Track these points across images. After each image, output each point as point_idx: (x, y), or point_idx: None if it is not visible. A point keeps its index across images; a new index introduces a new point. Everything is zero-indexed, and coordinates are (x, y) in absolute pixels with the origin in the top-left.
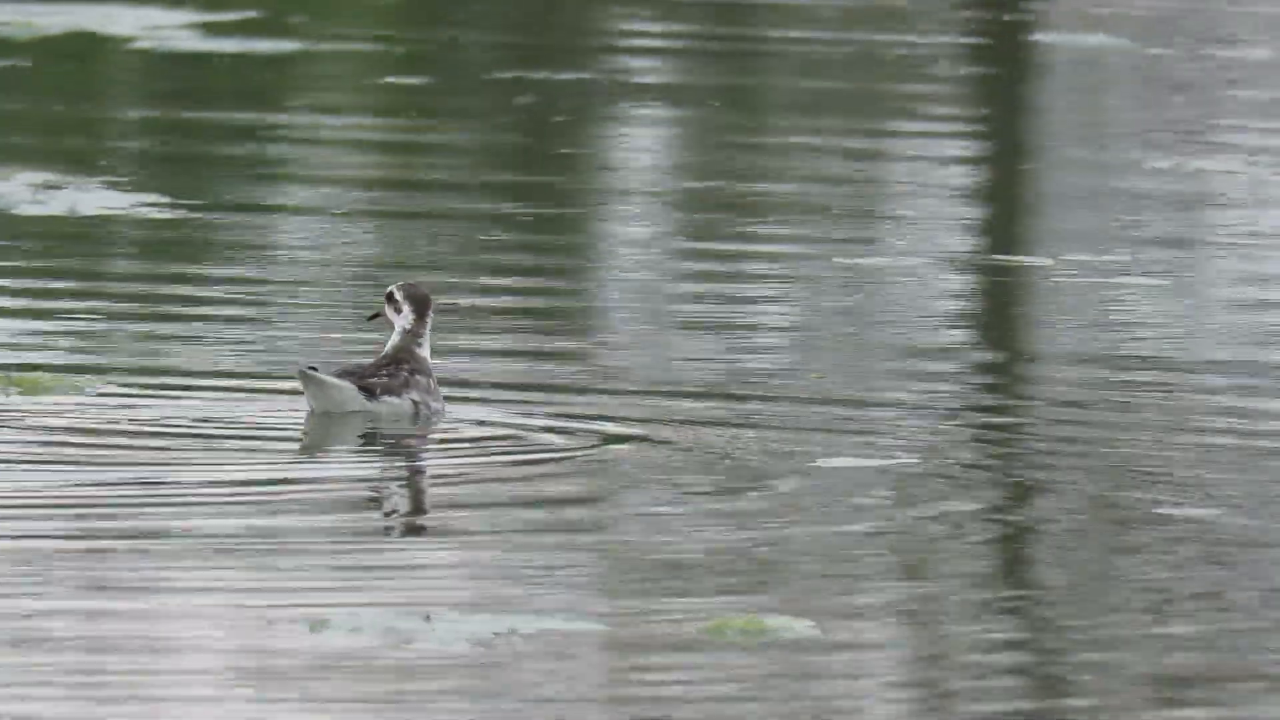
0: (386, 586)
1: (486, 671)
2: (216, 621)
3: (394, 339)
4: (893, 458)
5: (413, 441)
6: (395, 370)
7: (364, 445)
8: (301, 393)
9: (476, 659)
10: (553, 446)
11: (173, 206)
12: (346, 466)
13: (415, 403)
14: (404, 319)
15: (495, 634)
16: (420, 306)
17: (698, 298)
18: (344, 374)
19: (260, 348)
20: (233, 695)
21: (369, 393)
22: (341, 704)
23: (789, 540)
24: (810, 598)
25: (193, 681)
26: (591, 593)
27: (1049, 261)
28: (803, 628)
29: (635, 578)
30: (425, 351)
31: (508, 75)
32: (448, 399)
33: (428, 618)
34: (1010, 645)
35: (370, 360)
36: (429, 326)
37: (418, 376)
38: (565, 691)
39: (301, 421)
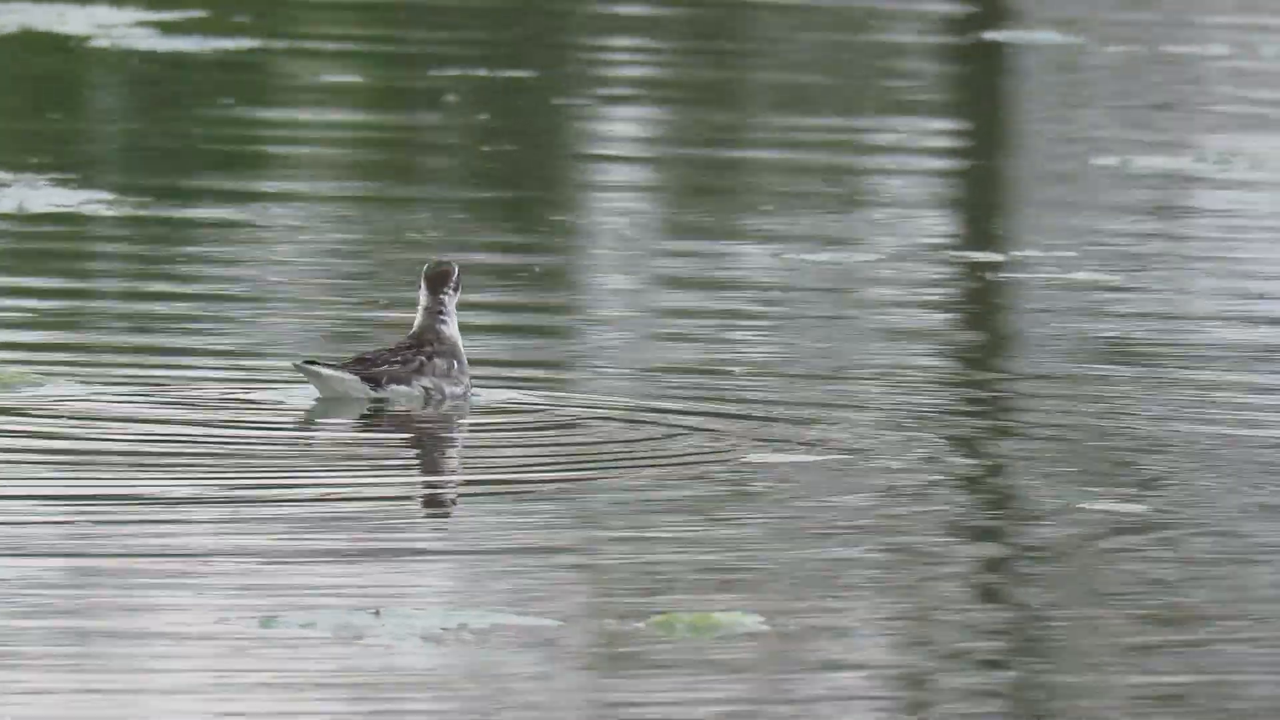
0: (343, 583)
1: (435, 668)
2: (179, 617)
3: (418, 319)
4: (856, 453)
5: (403, 433)
6: (412, 355)
7: (352, 440)
8: (306, 382)
9: (425, 654)
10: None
11: (119, 203)
12: (327, 466)
13: (426, 389)
14: (421, 297)
15: (445, 629)
16: (430, 284)
17: (678, 284)
18: (360, 360)
19: (226, 340)
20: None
21: (374, 383)
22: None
23: (747, 537)
24: (765, 594)
25: (155, 672)
26: (547, 589)
27: (999, 258)
28: (753, 623)
29: (594, 574)
30: (451, 329)
31: (449, 73)
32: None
33: (377, 613)
34: (983, 633)
35: (398, 341)
36: (451, 302)
37: (436, 360)
38: (513, 685)
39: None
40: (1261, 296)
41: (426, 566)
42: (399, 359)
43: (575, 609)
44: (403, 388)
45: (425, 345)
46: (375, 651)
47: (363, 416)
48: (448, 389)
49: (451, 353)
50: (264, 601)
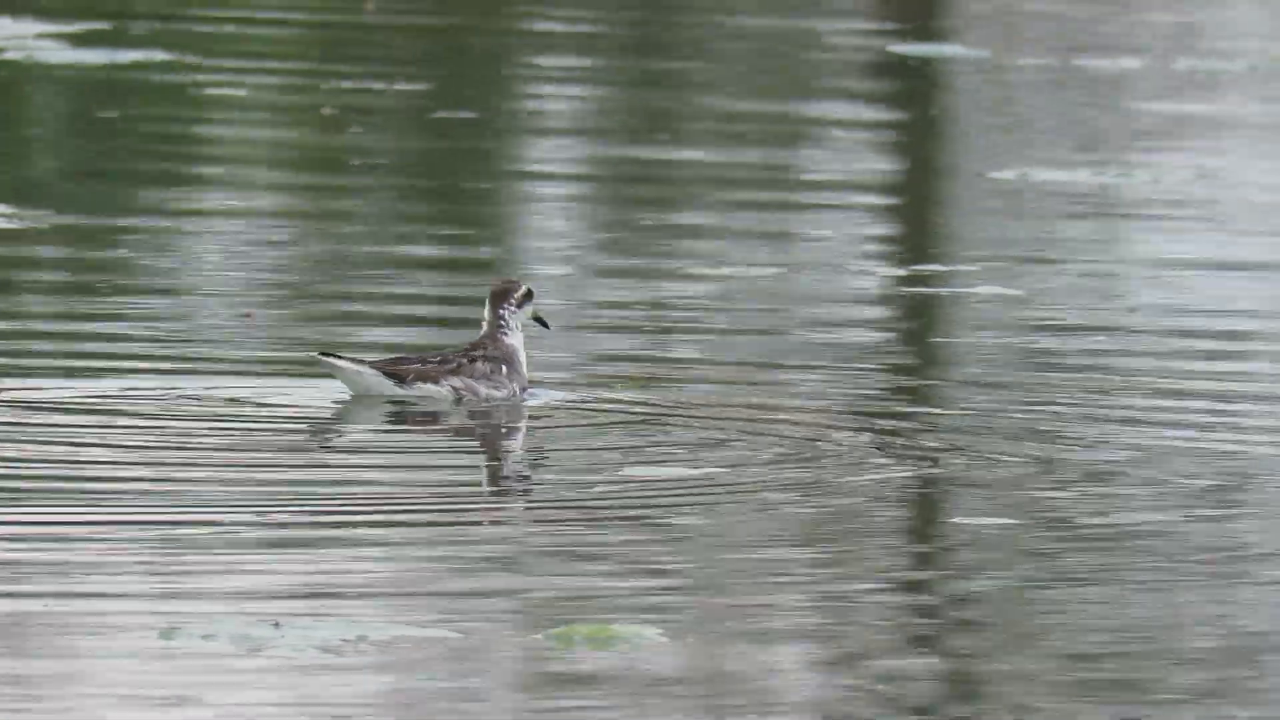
0: (245, 594)
1: (335, 680)
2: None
3: (483, 328)
4: (776, 463)
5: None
6: (452, 356)
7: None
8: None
9: (324, 665)
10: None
11: (20, 217)
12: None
13: (456, 389)
14: (486, 312)
15: (344, 640)
16: (492, 299)
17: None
18: (401, 360)
19: (147, 349)
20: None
21: (399, 379)
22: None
23: (657, 547)
24: (667, 606)
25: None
26: (452, 600)
27: (901, 271)
28: (651, 635)
29: (500, 584)
30: (512, 339)
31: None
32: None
33: (277, 625)
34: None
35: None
36: (509, 315)
37: (479, 364)
38: (406, 696)
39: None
40: (1132, 311)
41: (344, 579)
42: (437, 358)
43: (480, 623)
44: (430, 386)
45: (477, 349)
46: (276, 663)
47: (373, 419)
48: (482, 391)
49: (503, 359)
50: (171, 613)
